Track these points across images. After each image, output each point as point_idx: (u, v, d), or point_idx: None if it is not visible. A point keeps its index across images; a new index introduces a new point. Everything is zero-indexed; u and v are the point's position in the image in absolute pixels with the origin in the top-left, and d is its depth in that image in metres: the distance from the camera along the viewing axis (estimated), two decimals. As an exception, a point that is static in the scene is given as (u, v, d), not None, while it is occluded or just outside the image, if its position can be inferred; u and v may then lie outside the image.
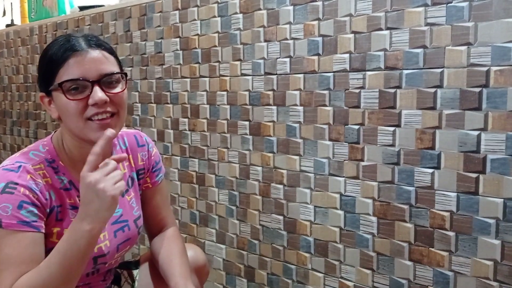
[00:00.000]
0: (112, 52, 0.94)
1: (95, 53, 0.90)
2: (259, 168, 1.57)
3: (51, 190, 0.92)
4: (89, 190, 0.81)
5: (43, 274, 0.83)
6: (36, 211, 0.87)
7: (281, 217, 1.53)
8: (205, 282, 1.22)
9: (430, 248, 1.20)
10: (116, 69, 0.93)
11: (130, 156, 1.08)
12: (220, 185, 1.70)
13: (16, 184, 0.86)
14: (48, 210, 0.90)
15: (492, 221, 1.10)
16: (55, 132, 1.00)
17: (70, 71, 0.88)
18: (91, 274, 1.00)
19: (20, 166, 0.88)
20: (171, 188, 1.87)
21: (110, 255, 1.00)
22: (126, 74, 0.95)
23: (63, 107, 0.90)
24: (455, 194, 1.15)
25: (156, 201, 1.13)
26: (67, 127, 0.93)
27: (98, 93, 0.88)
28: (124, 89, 0.94)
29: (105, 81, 0.90)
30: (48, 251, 0.88)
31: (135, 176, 1.08)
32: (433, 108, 1.17)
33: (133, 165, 1.08)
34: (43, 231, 0.88)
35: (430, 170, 1.18)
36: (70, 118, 0.90)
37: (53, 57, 0.89)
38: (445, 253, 1.18)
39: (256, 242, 1.61)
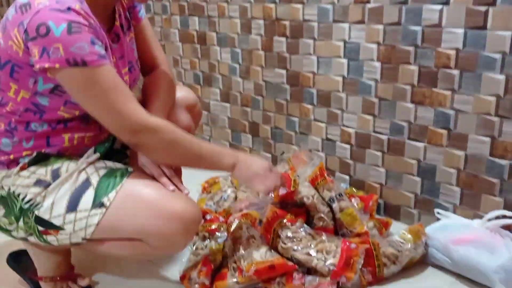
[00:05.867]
0: None
1: None
2: (261, 22, 1.52)
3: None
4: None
5: (186, 142, 0.94)
6: (101, 44, 0.85)
7: (284, 71, 1.51)
8: (199, 122, 1.23)
9: (433, 89, 1.20)
10: None
11: None
12: (221, 43, 1.66)
13: (78, 22, 0.82)
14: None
15: (498, 55, 1.08)
16: None
17: None
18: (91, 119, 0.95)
19: (69, 8, 0.82)
20: (173, 50, 1.84)
21: None
22: None
23: None
24: (463, 30, 1.11)
25: (143, 39, 1.09)
26: None
27: None
28: None
29: None
30: None
31: (128, 15, 1.05)
32: None
33: (125, 5, 1.04)
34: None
35: (439, 7, 1.13)
36: None
37: None
38: (447, 92, 1.18)
39: (259, 98, 1.62)
